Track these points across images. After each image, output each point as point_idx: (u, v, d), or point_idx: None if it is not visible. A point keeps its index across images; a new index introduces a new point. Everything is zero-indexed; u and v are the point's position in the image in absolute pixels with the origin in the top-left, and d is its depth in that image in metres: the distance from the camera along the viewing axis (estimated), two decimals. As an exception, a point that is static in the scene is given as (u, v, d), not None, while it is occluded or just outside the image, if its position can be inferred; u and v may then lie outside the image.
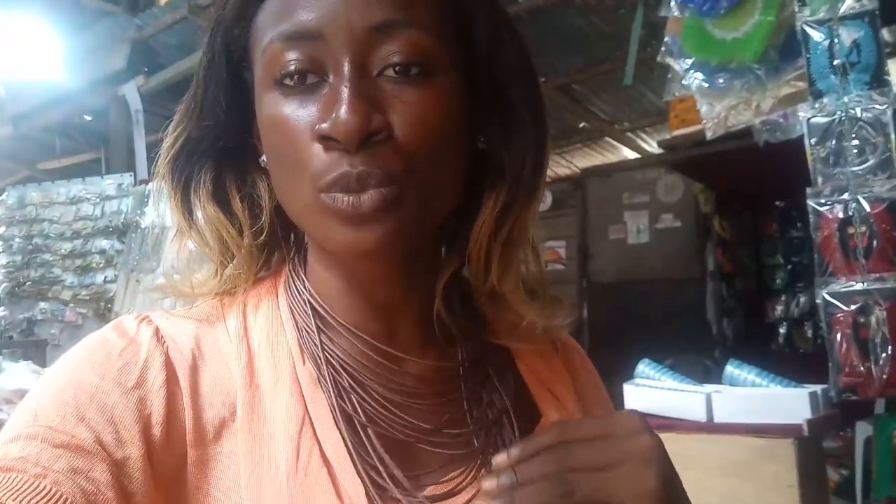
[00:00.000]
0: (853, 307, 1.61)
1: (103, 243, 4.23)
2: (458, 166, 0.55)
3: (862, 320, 1.60)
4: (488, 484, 0.48)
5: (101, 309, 4.11)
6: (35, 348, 3.83)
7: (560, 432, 0.48)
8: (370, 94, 0.49)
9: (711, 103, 1.97)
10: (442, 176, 0.53)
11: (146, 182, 3.96)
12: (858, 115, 1.63)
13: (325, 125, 0.49)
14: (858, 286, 1.61)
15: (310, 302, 0.58)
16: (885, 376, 1.57)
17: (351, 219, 0.50)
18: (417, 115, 0.50)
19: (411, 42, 0.50)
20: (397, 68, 0.50)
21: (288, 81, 0.51)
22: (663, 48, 2.09)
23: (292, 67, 0.51)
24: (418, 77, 0.51)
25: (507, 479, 0.47)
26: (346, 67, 0.49)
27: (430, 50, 0.51)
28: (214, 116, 0.57)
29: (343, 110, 0.48)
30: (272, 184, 0.57)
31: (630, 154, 5.99)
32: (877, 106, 1.62)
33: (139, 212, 4.01)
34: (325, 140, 0.49)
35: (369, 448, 0.53)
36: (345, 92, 0.49)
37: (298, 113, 0.51)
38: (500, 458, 0.49)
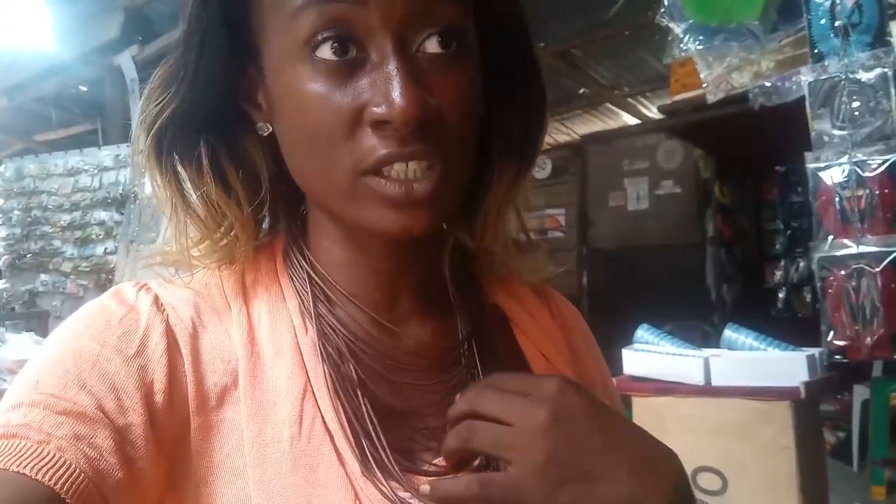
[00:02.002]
0: (845, 272, 1.62)
1: (102, 214, 4.23)
2: (476, 142, 0.55)
3: (854, 284, 1.61)
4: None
5: (102, 280, 4.13)
6: (37, 320, 3.86)
7: (486, 383, 0.50)
8: (417, 74, 0.48)
9: (710, 65, 1.95)
10: (469, 154, 0.54)
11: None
12: (860, 77, 1.62)
13: (378, 109, 0.47)
14: (852, 250, 1.61)
15: (309, 272, 0.58)
16: (874, 339, 1.58)
17: (402, 203, 0.49)
18: (459, 96, 0.50)
19: (449, 15, 0.49)
20: (438, 42, 0.49)
21: (323, 54, 0.48)
22: (662, 9, 2.06)
23: (331, 34, 0.48)
24: (456, 54, 0.50)
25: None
26: (390, 44, 0.48)
27: (464, 23, 0.51)
28: (211, 84, 0.54)
29: (398, 94, 0.46)
30: (291, 162, 0.54)
31: (630, 120, 5.95)
32: (878, 68, 1.60)
33: (137, 182, 4.00)
34: (378, 124, 0.48)
35: (365, 418, 0.54)
36: (396, 73, 0.47)
37: (339, 92, 0.49)
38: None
